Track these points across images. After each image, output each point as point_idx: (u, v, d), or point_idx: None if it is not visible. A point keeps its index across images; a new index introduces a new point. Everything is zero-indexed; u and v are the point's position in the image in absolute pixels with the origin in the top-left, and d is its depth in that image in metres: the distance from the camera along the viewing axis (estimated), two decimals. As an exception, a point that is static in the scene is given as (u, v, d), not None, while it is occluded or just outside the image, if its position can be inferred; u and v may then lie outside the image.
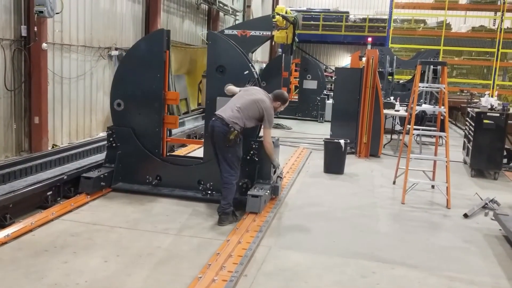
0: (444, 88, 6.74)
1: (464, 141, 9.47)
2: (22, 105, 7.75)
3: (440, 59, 15.51)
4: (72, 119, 9.05)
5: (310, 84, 15.33)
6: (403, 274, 4.28)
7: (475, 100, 13.23)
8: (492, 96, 10.08)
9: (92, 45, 9.50)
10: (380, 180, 7.74)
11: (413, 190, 6.92)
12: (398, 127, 11.57)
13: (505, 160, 8.76)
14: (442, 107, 6.83)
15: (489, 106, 8.40)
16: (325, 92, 15.76)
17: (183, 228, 5.07)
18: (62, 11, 8.22)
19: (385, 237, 5.22)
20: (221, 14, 17.50)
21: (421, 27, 19.91)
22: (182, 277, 3.94)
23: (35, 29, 7.48)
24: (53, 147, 8.12)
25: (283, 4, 23.23)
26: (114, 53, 10.15)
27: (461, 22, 22.96)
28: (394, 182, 7.50)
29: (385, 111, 9.92)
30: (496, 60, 18.19)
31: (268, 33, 7.64)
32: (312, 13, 25.95)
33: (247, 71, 5.95)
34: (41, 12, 7.37)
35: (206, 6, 16.29)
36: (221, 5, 16.77)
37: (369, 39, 10.64)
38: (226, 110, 5.30)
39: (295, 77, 18.45)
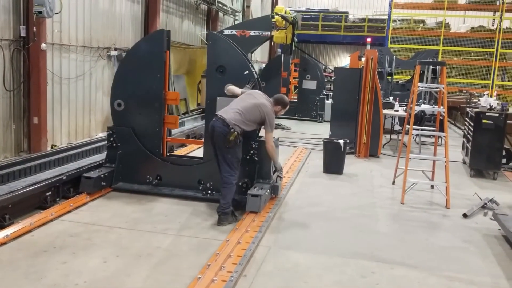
0: (443, 88, 6.74)
1: (463, 141, 9.47)
2: (21, 105, 7.74)
3: (439, 59, 15.52)
4: (71, 120, 9.05)
5: (310, 84, 15.34)
6: (402, 274, 4.28)
7: (474, 100, 13.25)
8: (491, 96, 10.10)
9: (91, 45, 9.49)
10: (379, 180, 7.75)
11: (412, 190, 6.92)
12: (397, 127, 11.59)
13: (504, 160, 8.77)
14: (441, 107, 6.84)
15: (488, 106, 8.41)
16: (325, 92, 15.77)
17: (183, 228, 5.06)
18: (61, 11, 8.22)
19: (384, 237, 5.22)
20: (220, 14, 17.50)
21: (420, 27, 19.92)
22: (181, 277, 3.94)
23: (34, 29, 7.47)
24: (52, 147, 8.11)
25: (283, 4, 23.22)
26: (113, 53, 10.14)
27: (460, 22, 22.98)
28: (393, 182, 7.50)
29: (385, 111, 9.93)
30: (495, 60, 18.20)
31: (268, 33, 7.64)
32: (311, 13, 25.97)
33: (247, 71, 5.95)
34: (40, 12, 7.36)
35: (206, 6, 16.29)
36: (220, 5, 16.77)
37: (368, 39, 10.64)
38: (228, 112, 5.31)
39: (294, 77, 18.46)
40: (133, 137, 6.23)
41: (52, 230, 4.81)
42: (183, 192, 6.08)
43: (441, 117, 7.10)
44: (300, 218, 5.66)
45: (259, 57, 23.47)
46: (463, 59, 19.09)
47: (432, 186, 7.29)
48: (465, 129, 9.55)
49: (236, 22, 18.30)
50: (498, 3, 18.95)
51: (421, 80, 10.88)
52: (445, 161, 6.56)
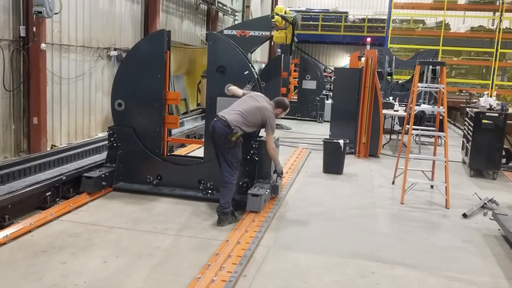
0: (443, 88, 6.74)
1: (463, 141, 9.48)
2: (21, 105, 7.74)
3: (439, 59, 15.52)
4: (71, 120, 9.05)
5: (309, 84, 15.34)
6: (402, 274, 4.28)
7: (474, 100, 13.25)
8: (491, 96, 10.10)
9: (91, 46, 9.49)
10: (379, 180, 7.75)
11: (412, 190, 6.92)
12: (397, 127, 11.59)
13: (504, 160, 8.77)
14: (441, 107, 6.84)
15: (488, 106, 8.41)
16: (324, 92, 15.77)
17: (183, 228, 5.06)
18: (61, 11, 8.22)
19: (384, 237, 5.22)
20: (220, 14, 17.50)
21: (420, 27, 19.92)
22: (181, 277, 3.94)
23: (34, 29, 7.48)
24: (52, 147, 8.11)
25: (282, 4, 23.22)
26: (113, 53, 10.14)
27: (460, 22, 22.98)
28: (393, 182, 7.50)
29: (384, 111, 9.92)
30: (495, 60, 18.20)
31: (267, 33, 7.63)
32: (311, 13, 25.97)
33: (247, 71, 5.96)
34: (40, 12, 7.36)
35: (205, 6, 16.29)
36: (220, 5, 16.77)
37: (368, 39, 10.65)
38: (230, 113, 5.34)
39: (294, 77, 18.46)
40: (134, 137, 6.24)
41: (52, 230, 4.80)
42: (183, 192, 6.09)
43: (440, 117, 7.10)
44: (300, 218, 5.66)
45: (259, 57, 23.47)
46: (463, 59, 19.10)
47: (432, 186, 7.29)
48: (464, 129, 9.55)
49: (236, 22, 18.30)
50: (498, 3, 18.96)
51: (421, 80, 10.88)
52: (445, 161, 6.56)
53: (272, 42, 21.00)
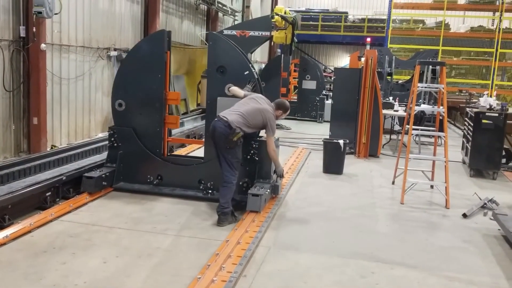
0: (443, 88, 6.74)
1: (463, 141, 9.48)
2: (20, 105, 7.74)
3: (439, 59, 15.52)
4: (71, 120, 9.05)
5: (309, 84, 15.34)
6: (402, 274, 4.28)
7: (474, 100, 13.25)
8: (490, 96, 10.10)
9: (91, 46, 9.49)
10: (379, 180, 7.75)
11: (412, 190, 6.92)
12: (397, 127, 11.59)
13: (503, 160, 8.77)
14: (441, 107, 6.84)
15: (488, 106, 8.41)
16: (324, 92, 15.77)
17: (183, 229, 5.06)
18: (61, 12, 8.21)
19: (384, 237, 5.22)
20: (220, 14, 17.50)
21: (420, 27, 19.92)
22: (181, 277, 3.94)
23: (34, 29, 7.47)
24: (52, 148, 8.12)
25: (282, 5, 23.22)
26: (113, 53, 10.14)
27: (460, 22, 22.98)
28: (393, 182, 7.51)
29: (384, 111, 9.92)
30: (495, 60, 18.20)
31: (267, 33, 7.62)
32: (311, 13, 25.96)
33: (247, 72, 5.97)
34: (40, 12, 7.36)
35: (205, 7, 16.29)
36: (220, 5, 16.77)
37: (368, 39, 10.65)
38: (231, 114, 5.35)
39: (294, 78, 18.45)
40: (134, 137, 6.24)
41: (52, 230, 4.80)
42: (183, 192, 6.10)
43: (440, 117, 7.10)
44: (300, 218, 5.66)
45: (259, 57, 23.47)
46: (462, 59, 19.10)
47: (431, 186, 7.29)
48: (464, 129, 9.55)
49: (236, 22, 18.29)
50: (497, 3, 18.95)
51: (420, 80, 10.88)
52: (445, 161, 6.56)
53: (272, 42, 21.00)
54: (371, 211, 6.12)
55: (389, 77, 14.06)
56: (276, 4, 24.32)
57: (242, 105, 5.50)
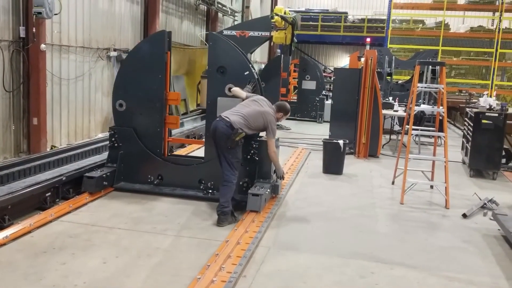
0: (443, 88, 6.74)
1: (462, 141, 9.48)
2: (20, 106, 7.75)
3: (439, 59, 15.52)
4: (71, 120, 9.05)
5: (309, 84, 15.34)
6: (402, 275, 4.28)
7: (474, 100, 13.25)
8: (490, 96, 10.11)
9: (91, 46, 9.50)
10: (379, 180, 7.75)
11: (412, 190, 6.92)
12: (397, 128, 11.59)
13: (503, 160, 8.77)
14: (441, 107, 6.84)
15: (488, 106, 8.41)
16: (324, 93, 15.77)
17: (183, 229, 5.06)
18: (60, 12, 8.22)
19: (384, 237, 5.22)
20: (219, 14, 17.51)
21: (419, 27, 19.92)
22: (181, 278, 3.94)
23: (34, 30, 7.48)
24: (51, 148, 8.12)
25: (282, 5, 23.23)
26: (113, 54, 10.14)
27: (460, 22, 22.98)
28: (393, 183, 7.51)
29: (384, 111, 9.92)
30: (495, 60, 18.19)
31: (267, 33, 7.63)
32: (311, 13, 25.96)
33: (247, 72, 5.97)
34: (40, 13, 7.36)
35: (205, 7, 16.30)
36: (219, 5, 16.77)
37: (368, 39, 10.65)
38: (232, 114, 5.37)
39: (294, 78, 18.45)
40: (135, 137, 6.25)
41: (52, 231, 4.80)
42: (184, 192, 6.11)
43: (440, 117, 7.11)
44: (300, 218, 5.66)
45: (259, 57, 23.47)
46: (462, 59, 19.10)
47: (431, 186, 7.29)
48: (464, 129, 9.55)
49: (236, 23, 18.30)
50: (497, 3, 18.95)
51: (420, 80, 10.88)
52: (445, 161, 6.56)
53: (272, 43, 21.00)
54: (371, 211, 6.12)
55: (389, 77, 14.06)
56: (275, 4, 24.32)
57: (244, 107, 5.51)
